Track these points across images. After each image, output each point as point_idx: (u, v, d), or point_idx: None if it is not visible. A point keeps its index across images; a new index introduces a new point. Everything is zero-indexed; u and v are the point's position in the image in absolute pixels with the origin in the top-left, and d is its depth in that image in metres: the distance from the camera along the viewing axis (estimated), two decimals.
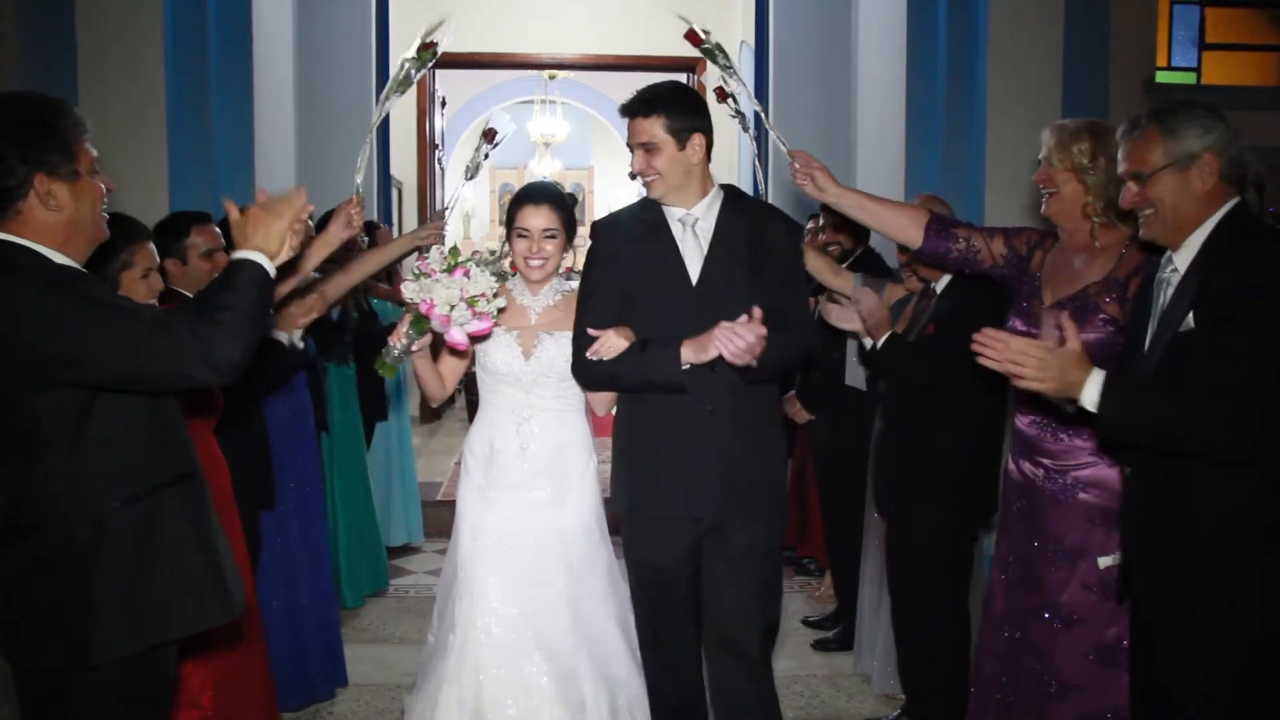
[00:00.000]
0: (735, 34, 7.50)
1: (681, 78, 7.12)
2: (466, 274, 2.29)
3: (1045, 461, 2.37)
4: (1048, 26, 4.40)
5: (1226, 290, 1.81)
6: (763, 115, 2.91)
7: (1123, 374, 1.94)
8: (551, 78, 11.27)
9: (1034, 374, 1.84)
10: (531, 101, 11.89)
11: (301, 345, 2.93)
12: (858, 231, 3.87)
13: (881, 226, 2.66)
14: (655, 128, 2.40)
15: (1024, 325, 2.39)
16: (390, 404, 4.85)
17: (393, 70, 2.75)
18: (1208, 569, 1.85)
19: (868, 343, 3.00)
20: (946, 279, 2.97)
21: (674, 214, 2.48)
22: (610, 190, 13.56)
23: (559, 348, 2.52)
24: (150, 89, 4.11)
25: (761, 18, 6.20)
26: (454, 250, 2.35)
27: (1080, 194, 2.36)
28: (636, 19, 8.13)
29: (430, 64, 2.76)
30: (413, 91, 7.72)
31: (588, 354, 2.37)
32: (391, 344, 2.43)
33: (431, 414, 8.43)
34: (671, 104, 2.40)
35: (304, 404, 3.43)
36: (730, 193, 2.55)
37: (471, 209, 14.06)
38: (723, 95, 3.07)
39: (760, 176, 3.53)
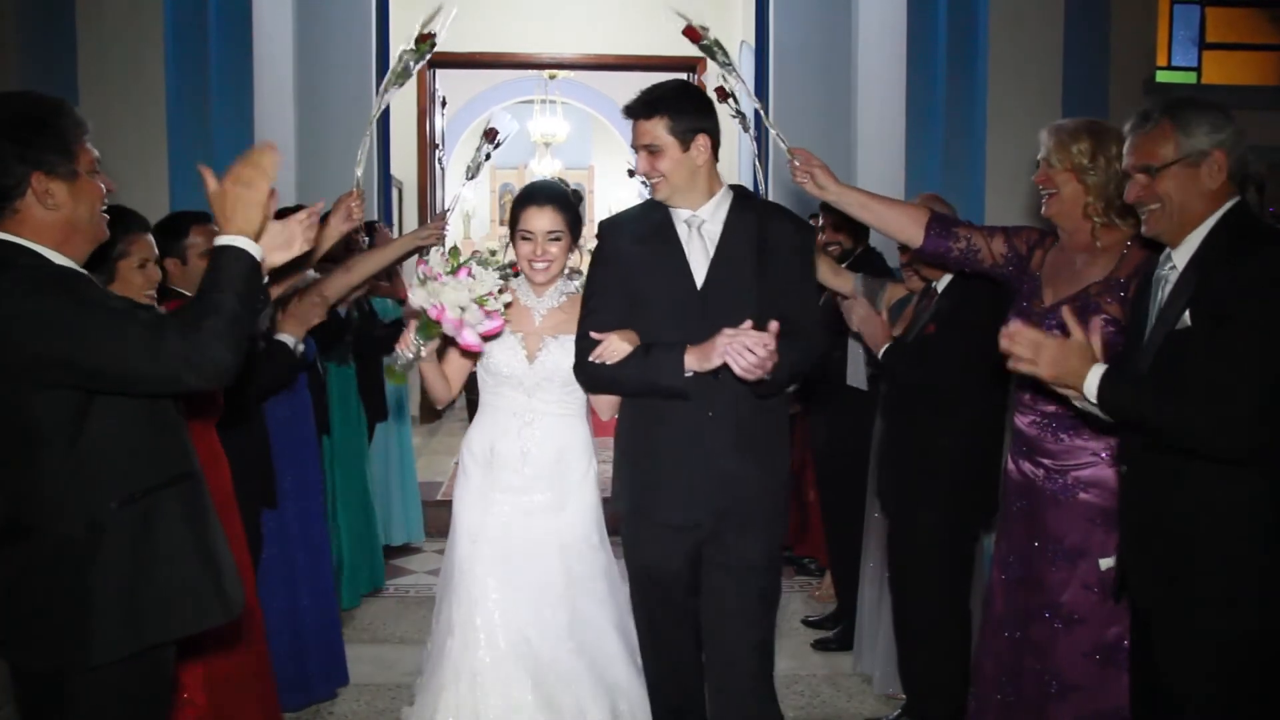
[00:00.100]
0: (735, 34, 7.50)
1: (682, 78, 7.11)
2: (470, 273, 2.26)
3: (1045, 461, 2.36)
4: (1048, 26, 4.40)
5: (1226, 289, 1.81)
6: (762, 113, 2.90)
7: (1122, 370, 1.94)
8: (552, 77, 11.26)
9: (1027, 354, 1.87)
10: (532, 101, 11.87)
11: (303, 348, 2.93)
12: (858, 231, 3.87)
13: (882, 225, 2.65)
14: (658, 129, 2.34)
15: (1024, 325, 2.38)
16: (390, 404, 4.85)
17: (392, 64, 2.74)
18: (1208, 569, 1.85)
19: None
20: (948, 278, 2.97)
21: (680, 215, 2.43)
22: (610, 190, 13.54)
23: (564, 352, 2.49)
24: (150, 89, 4.12)
25: (762, 17, 6.20)
26: (454, 251, 2.33)
27: (1081, 194, 2.36)
28: (637, 19, 8.13)
29: (429, 55, 2.74)
30: (413, 91, 7.80)
31: (590, 357, 2.34)
32: (400, 351, 2.39)
33: (432, 414, 8.43)
34: (675, 104, 2.35)
35: (304, 404, 3.43)
36: (740, 194, 2.49)
37: (472, 209, 14.05)
38: (723, 95, 3.06)
39: (760, 176, 3.53)
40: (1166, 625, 1.94)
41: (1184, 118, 1.93)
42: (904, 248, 2.96)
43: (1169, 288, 1.95)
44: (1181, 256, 1.95)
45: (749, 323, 2.16)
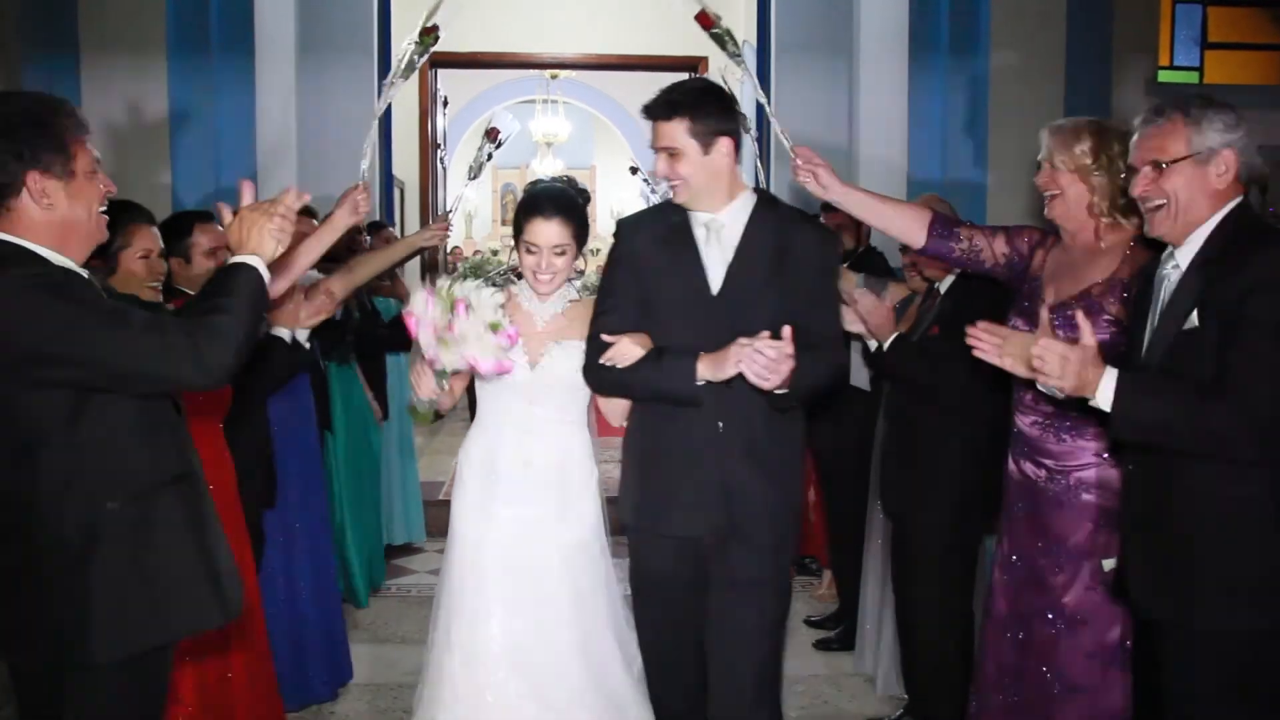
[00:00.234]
0: (737, 33, 7.49)
1: (682, 78, 7.11)
2: (467, 307, 2.20)
3: (1047, 462, 2.36)
4: (1050, 26, 4.41)
5: (1235, 290, 1.80)
6: (767, 107, 2.88)
7: (1133, 374, 1.93)
8: (553, 77, 11.26)
9: (1056, 371, 1.83)
10: (533, 101, 11.87)
11: (308, 345, 2.92)
12: (859, 231, 3.87)
13: (884, 225, 2.63)
14: (678, 132, 2.25)
15: (1025, 325, 2.37)
16: (391, 404, 4.85)
17: (395, 58, 2.74)
18: (1210, 568, 1.85)
19: (872, 344, 3.00)
20: (950, 279, 2.96)
21: (699, 218, 2.34)
22: (612, 190, 13.54)
23: (566, 357, 2.42)
24: (153, 89, 4.13)
25: (763, 17, 6.19)
26: (443, 293, 2.24)
27: (1085, 194, 2.34)
28: (638, 19, 8.12)
29: (433, 48, 2.74)
30: (414, 91, 7.79)
31: (601, 359, 2.28)
32: (420, 397, 2.33)
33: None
34: (696, 106, 2.25)
35: (306, 403, 3.43)
36: (763, 198, 2.40)
37: (474, 209, 14.06)
38: None
39: (761, 175, 3.52)
40: (1168, 625, 1.93)
41: (1196, 115, 1.92)
42: (906, 248, 2.95)
43: (1172, 287, 1.94)
44: (1184, 255, 1.94)
45: (766, 334, 2.07)
